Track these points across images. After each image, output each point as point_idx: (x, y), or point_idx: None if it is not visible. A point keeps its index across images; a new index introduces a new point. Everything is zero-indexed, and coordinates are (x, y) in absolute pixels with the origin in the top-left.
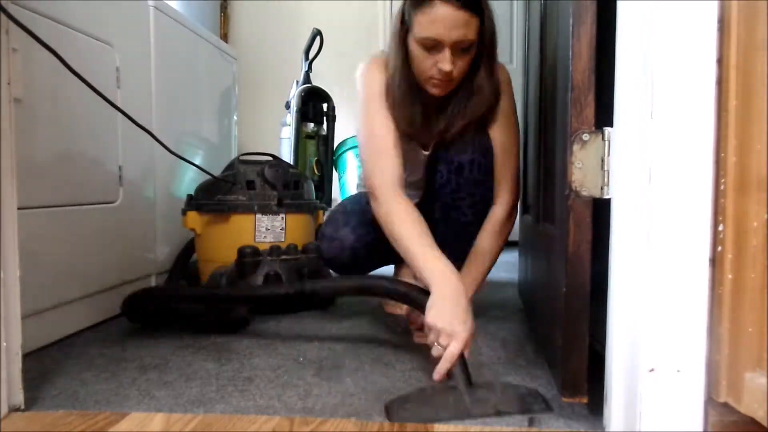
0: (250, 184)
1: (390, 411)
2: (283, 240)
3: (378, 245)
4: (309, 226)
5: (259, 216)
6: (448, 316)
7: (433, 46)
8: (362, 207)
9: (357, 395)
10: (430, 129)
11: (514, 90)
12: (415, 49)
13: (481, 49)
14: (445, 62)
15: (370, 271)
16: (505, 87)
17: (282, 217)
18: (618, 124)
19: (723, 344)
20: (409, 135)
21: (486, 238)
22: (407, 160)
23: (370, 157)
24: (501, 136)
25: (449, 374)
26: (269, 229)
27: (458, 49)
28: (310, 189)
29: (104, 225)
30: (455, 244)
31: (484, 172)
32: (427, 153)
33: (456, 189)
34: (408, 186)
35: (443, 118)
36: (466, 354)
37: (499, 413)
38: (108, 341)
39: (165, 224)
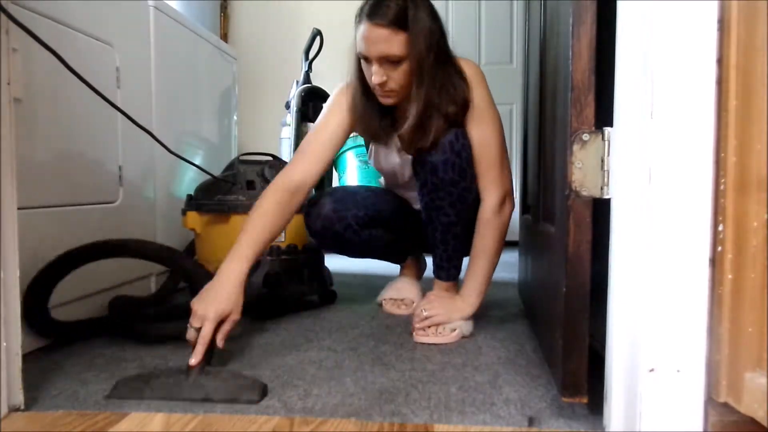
0: (250, 184)
1: (114, 387)
2: (283, 240)
3: (360, 228)
4: None
5: None
6: (203, 299)
7: (366, 60)
8: (356, 189)
9: (357, 395)
10: (398, 134)
11: (514, 90)
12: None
13: (413, 62)
14: (374, 75)
15: (357, 256)
16: (476, 83)
17: None
18: (618, 124)
19: (723, 344)
20: (379, 140)
21: (479, 239)
22: (386, 162)
23: (295, 154)
24: (476, 131)
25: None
26: None
27: (386, 62)
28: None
29: (104, 225)
30: (443, 246)
31: (460, 172)
32: (409, 156)
33: (433, 189)
34: (406, 187)
35: (404, 124)
36: (218, 340)
37: (206, 400)
38: (108, 341)
39: (165, 224)
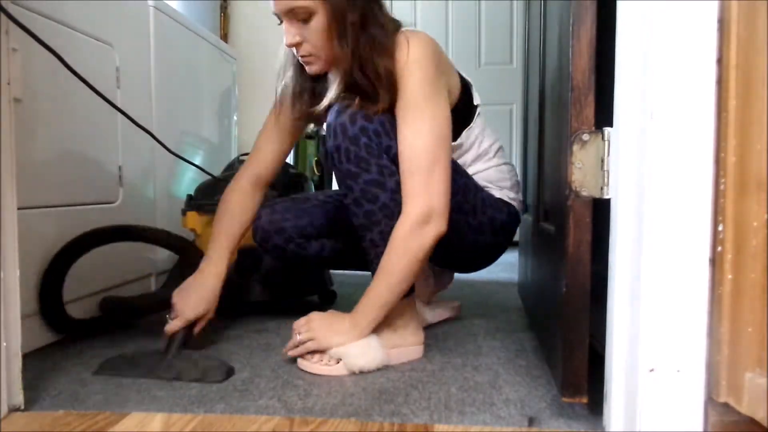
0: None
1: (100, 366)
2: None
3: (304, 240)
4: None
5: None
6: (184, 297)
7: (280, 21)
8: (306, 197)
9: (357, 395)
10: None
11: (514, 90)
12: None
13: (328, 16)
14: (285, 35)
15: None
16: (413, 64)
17: None
18: (618, 124)
19: (723, 344)
20: (313, 120)
21: (385, 256)
22: None
23: (255, 142)
24: (403, 124)
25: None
26: None
27: (297, 20)
28: (310, 189)
29: (104, 225)
30: (357, 250)
31: (358, 163)
32: None
33: (339, 182)
34: None
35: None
36: (195, 331)
37: (176, 379)
38: (108, 341)
39: (165, 224)
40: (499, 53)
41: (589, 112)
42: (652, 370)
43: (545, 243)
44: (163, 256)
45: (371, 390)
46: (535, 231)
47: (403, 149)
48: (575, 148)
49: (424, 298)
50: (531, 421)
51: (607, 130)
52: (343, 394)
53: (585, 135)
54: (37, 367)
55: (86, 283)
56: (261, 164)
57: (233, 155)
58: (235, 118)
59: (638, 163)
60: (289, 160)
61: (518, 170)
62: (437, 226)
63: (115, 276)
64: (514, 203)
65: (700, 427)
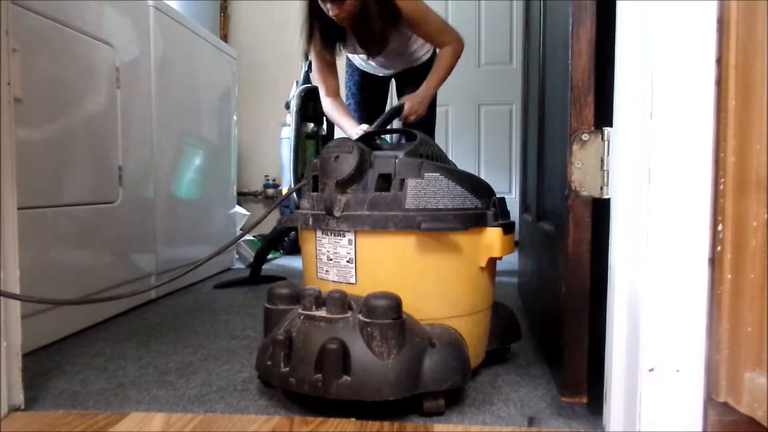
0: (316, 180)
1: None
2: (353, 282)
3: None
4: (443, 271)
5: (318, 235)
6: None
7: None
8: None
9: None
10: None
11: (514, 90)
12: None
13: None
14: (331, 10)
15: None
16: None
17: (349, 240)
18: (618, 124)
19: (722, 344)
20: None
21: (437, 65)
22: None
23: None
24: (421, 26)
25: None
26: (332, 260)
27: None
28: (442, 186)
29: (104, 225)
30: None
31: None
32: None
33: None
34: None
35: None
36: None
37: None
38: (108, 341)
39: (165, 224)
40: (499, 53)
41: (589, 112)
42: (651, 370)
43: (545, 243)
44: (163, 257)
45: None
46: (535, 231)
47: (429, 31)
48: (575, 148)
49: None
50: (531, 421)
51: (606, 129)
52: None
53: (584, 135)
54: (37, 367)
55: (87, 283)
56: (332, 88)
57: (233, 155)
58: (235, 118)
59: (638, 163)
60: (289, 161)
61: (518, 170)
62: (461, 45)
63: (115, 276)
64: None
65: (700, 427)
